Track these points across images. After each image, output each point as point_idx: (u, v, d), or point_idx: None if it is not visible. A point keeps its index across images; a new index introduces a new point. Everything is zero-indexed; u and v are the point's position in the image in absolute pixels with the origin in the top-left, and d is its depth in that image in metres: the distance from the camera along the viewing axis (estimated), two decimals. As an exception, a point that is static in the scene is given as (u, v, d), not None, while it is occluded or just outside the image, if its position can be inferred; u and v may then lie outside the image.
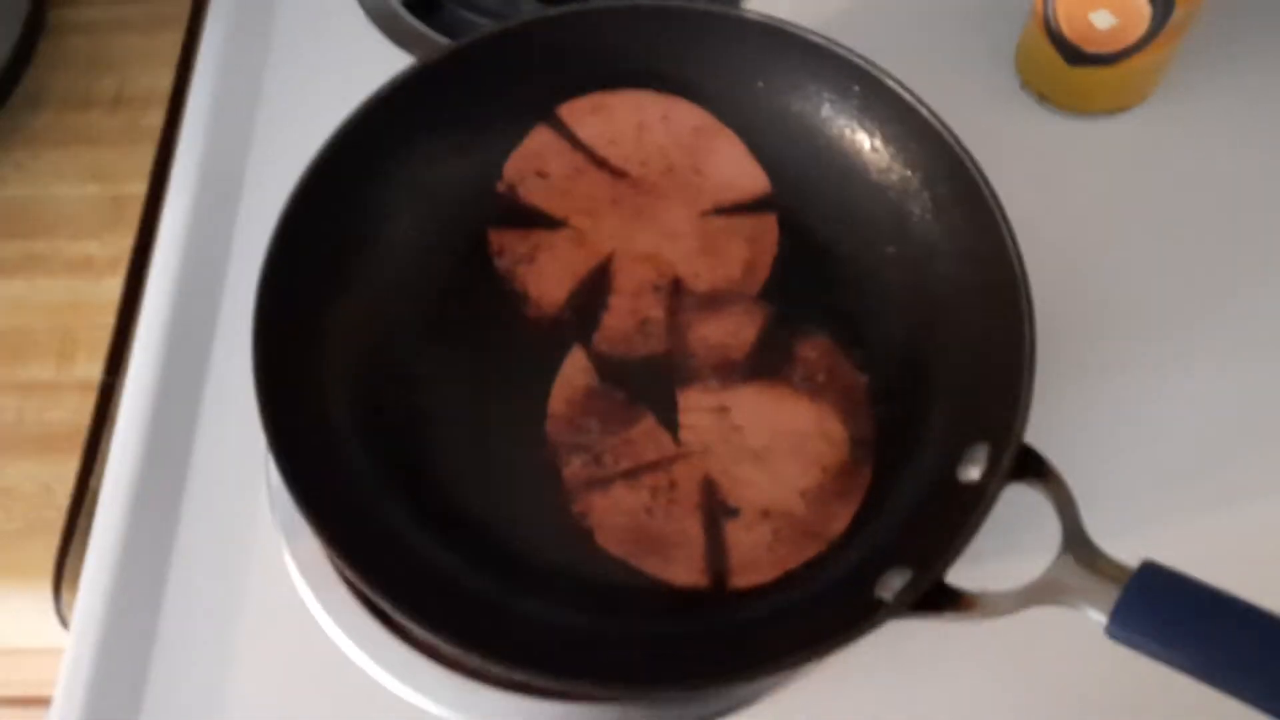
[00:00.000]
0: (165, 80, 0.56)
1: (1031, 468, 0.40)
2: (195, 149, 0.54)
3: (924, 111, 0.46)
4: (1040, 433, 0.41)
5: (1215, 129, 0.54)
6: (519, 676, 0.40)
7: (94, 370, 0.49)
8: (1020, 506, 0.40)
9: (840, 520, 0.44)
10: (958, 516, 0.40)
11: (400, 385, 0.47)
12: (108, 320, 0.50)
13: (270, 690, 0.45)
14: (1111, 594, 0.36)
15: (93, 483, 0.47)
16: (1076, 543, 0.38)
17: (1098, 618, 0.36)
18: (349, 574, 0.40)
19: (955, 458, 0.42)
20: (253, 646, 0.45)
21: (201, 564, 0.47)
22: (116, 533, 0.46)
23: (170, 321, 0.50)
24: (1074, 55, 0.51)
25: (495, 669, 0.40)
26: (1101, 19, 0.48)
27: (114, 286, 0.51)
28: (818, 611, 0.41)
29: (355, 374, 0.46)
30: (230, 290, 0.52)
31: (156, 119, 0.55)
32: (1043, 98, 0.54)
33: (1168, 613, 0.36)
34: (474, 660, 0.40)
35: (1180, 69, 0.53)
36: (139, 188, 0.53)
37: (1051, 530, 0.39)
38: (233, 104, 0.56)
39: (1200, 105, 0.54)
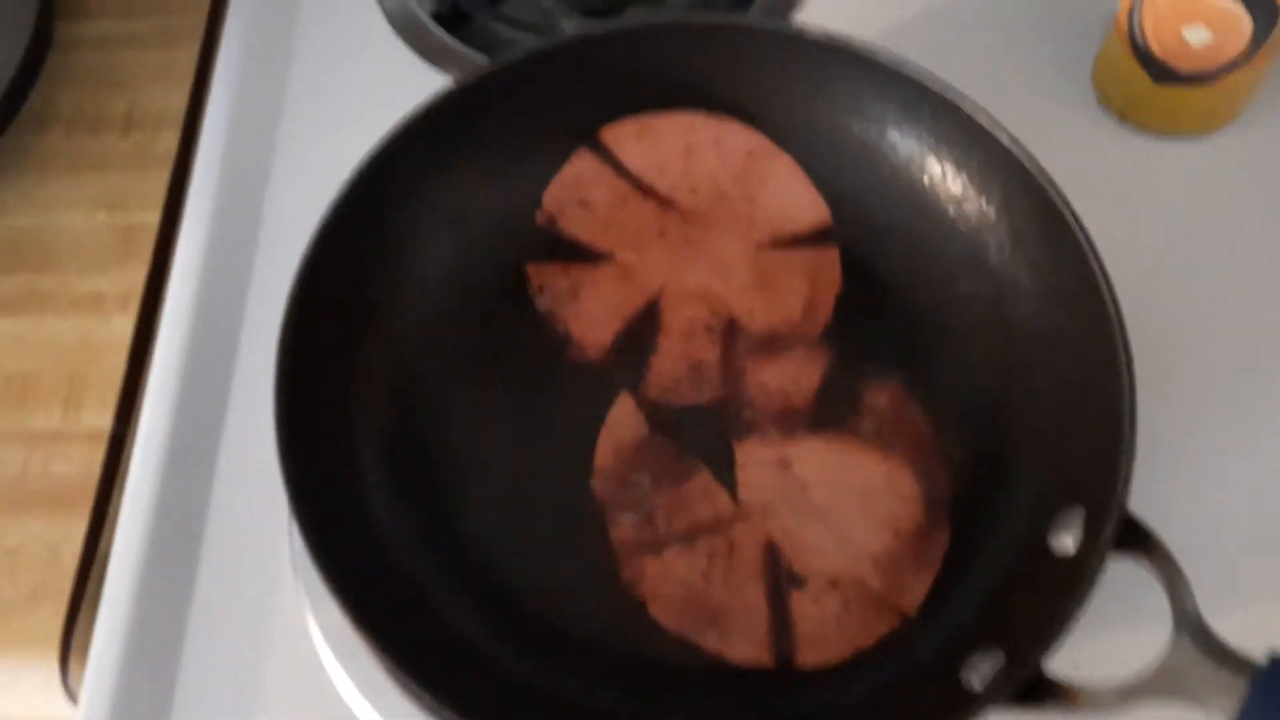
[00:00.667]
0: (179, 100, 0.53)
1: (1134, 539, 0.36)
2: (212, 174, 0.50)
3: (1003, 137, 0.43)
4: (1135, 493, 0.37)
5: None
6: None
7: (103, 418, 0.46)
8: (1118, 577, 0.36)
9: (917, 591, 0.40)
10: (1053, 593, 0.36)
11: (432, 437, 0.43)
12: (118, 363, 0.47)
13: (293, 766, 0.42)
14: (1234, 692, 0.32)
15: (102, 544, 0.44)
16: (1191, 629, 0.34)
17: (1218, 717, 0.32)
18: (370, 649, 0.36)
19: (1045, 522, 0.39)
20: (273, 717, 0.42)
21: (219, 631, 0.43)
22: (128, 599, 0.42)
23: (185, 364, 0.46)
24: (1162, 73, 0.46)
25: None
26: (1196, 35, 0.44)
27: (125, 325, 0.48)
28: (897, 700, 0.37)
29: (384, 424, 0.43)
30: (250, 329, 0.48)
31: (170, 142, 0.52)
32: (1123, 117, 0.50)
33: (1300, 714, 0.32)
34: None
35: (1273, 86, 0.49)
36: (152, 217, 0.50)
37: (1155, 606, 0.35)
38: (252, 125, 0.52)
39: (1293, 125, 0.50)
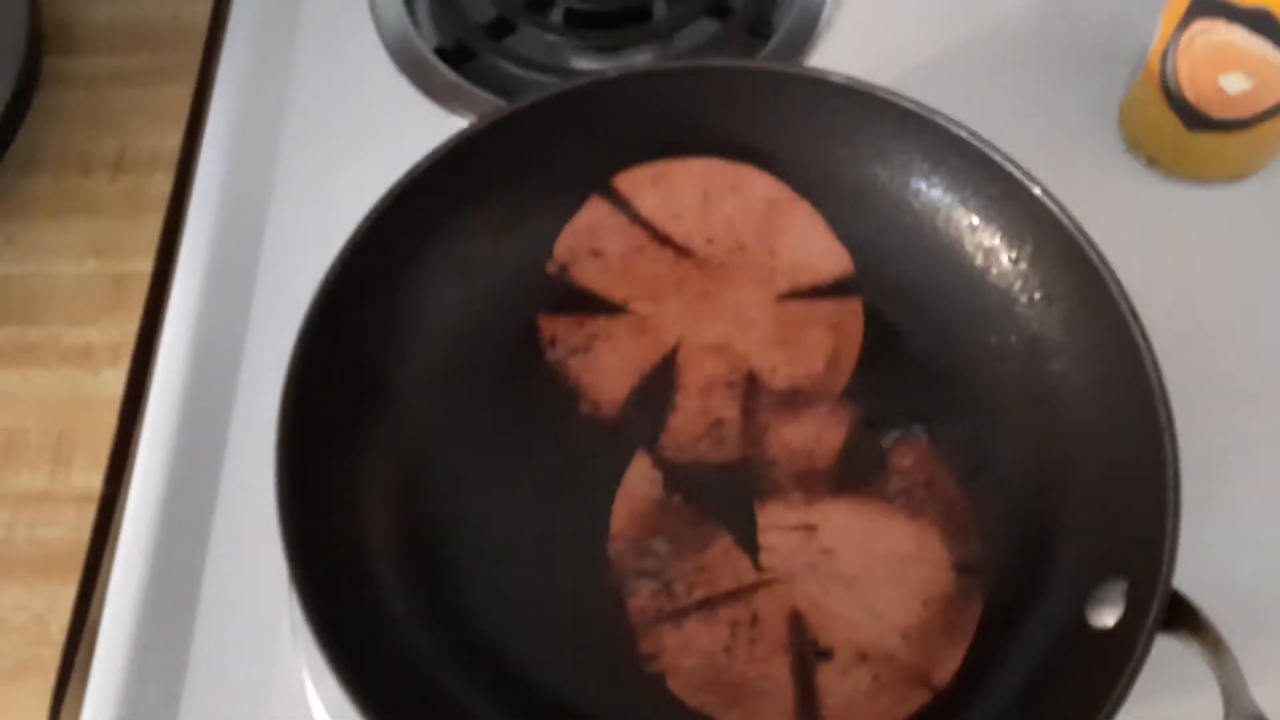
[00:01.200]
0: (173, 140, 0.51)
1: (1181, 617, 0.34)
2: (207, 219, 0.48)
3: (1034, 188, 0.41)
4: (1180, 564, 0.35)
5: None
6: None
7: (93, 479, 0.43)
8: (1161, 651, 0.34)
9: (949, 663, 0.38)
10: (1095, 673, 0.34)
11: (440, 503, 0.41)
12: (109, 420, 0.45)
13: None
14: (1296, 787, 0.31)
15: (92, 612, 0.42)
16: (1243, 716, 0.32)
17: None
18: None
19: (1085, 596, 0.37)
20: (273, 794, 0.40)
21: (216, 705, 0.41)
22: (120, 671, 0.40)
23: (179, 421, 0.44)
24: (1196, 120, 0.45)
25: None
26: (1233, 83, 0.43)
27: (116, 380, 0.45)
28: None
29: (389, 486, 0.41)
30: (246, 382, 0.46)
31: (164, 185, 0.50)
32: (1152, 162, 0.48)
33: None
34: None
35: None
36: (144, 264, 0.48)
37: (1198, 685, 0.34)
38: (249, 167, 0.50)
39: (1324, 170, 0.48)
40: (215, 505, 0.44)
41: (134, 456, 0.44)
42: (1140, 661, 0.33)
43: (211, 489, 0.44)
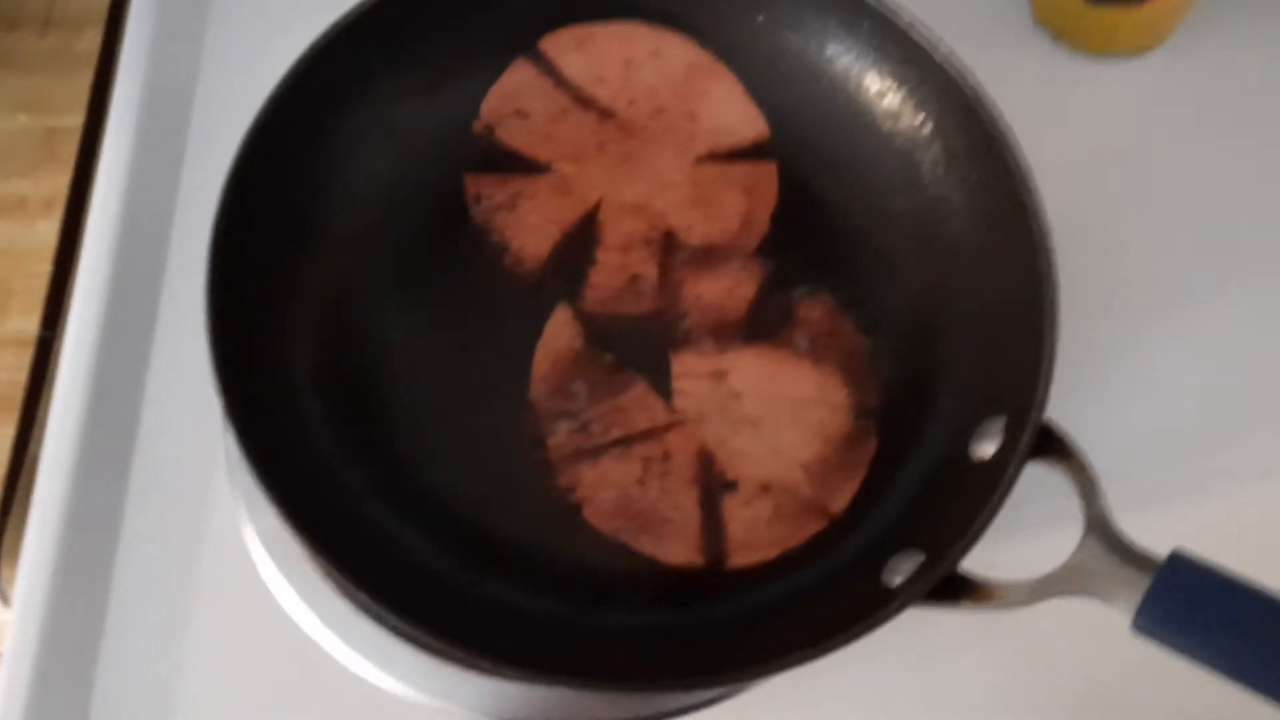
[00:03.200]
0: (101, -2, 0.51)
1: (1051, 446, 0.38)
2: (136, 76, 0.49)
3: (940, 52, 0.43)
4: (1054, 404, 0.38)
5: (1236, 73, 0.51)
6: (490, 669, 0.37)
7: (29, 324, 0.45)
8: (1034, 485, 0.38)
9: (844, 495, 0.41)
10: (972, 497, 0.37)
11: (367, 344, 0.43)
12: (43, 268, 0.46)
13: (228, 670, 0.42)
14: (1139, 586, 0.34)
15: (32, 448, 0.43)
16: (1100, 530, 0.36)
17: (1123, 611, 0.34)
18: (304, 547, 0.36)
19: (968, 431, 0.40)
20: (209, 624, 0.42)
21: (153, 536, 0.43)
22: (59, 503, 0.42)
23: (112, 269, 0.45)
24: (1098, -7, 0.47)
25: (464, 659, 0.37)
26: (1131, -45, 0.45)
27: (49, 230, 0.46)
28: (822, 599, 0.38)
29: (318, 331, 0.42)
30: (179, 234, 0.48)
31: (93, 42, 0.50)
32: (1059, 36, 0.50)
33: (1197, 607, 0.34)
34: (439, 647, 0.37)
35: (1201, 9, 0.50)
36: (75, 119, 0.48)
37: (1067, 511, 0.37)
38: (178, 25, 0.51)
39: (1220, 49, 0.51)
40: (150, 347, 0.45)
41: (69, 303, 0.45)
42: (1011, 480, 0.37)
43: (146, 332, 0.46)
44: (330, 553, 0.36)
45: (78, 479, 0.42)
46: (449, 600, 0.39)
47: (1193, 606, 0.34)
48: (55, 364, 0.44)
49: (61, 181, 0.47)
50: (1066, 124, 0.49)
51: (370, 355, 0.43)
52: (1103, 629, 0.36)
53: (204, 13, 0.51)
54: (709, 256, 0.45)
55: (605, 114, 0.47)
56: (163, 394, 0.45)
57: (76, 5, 0.51)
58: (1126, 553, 0.35)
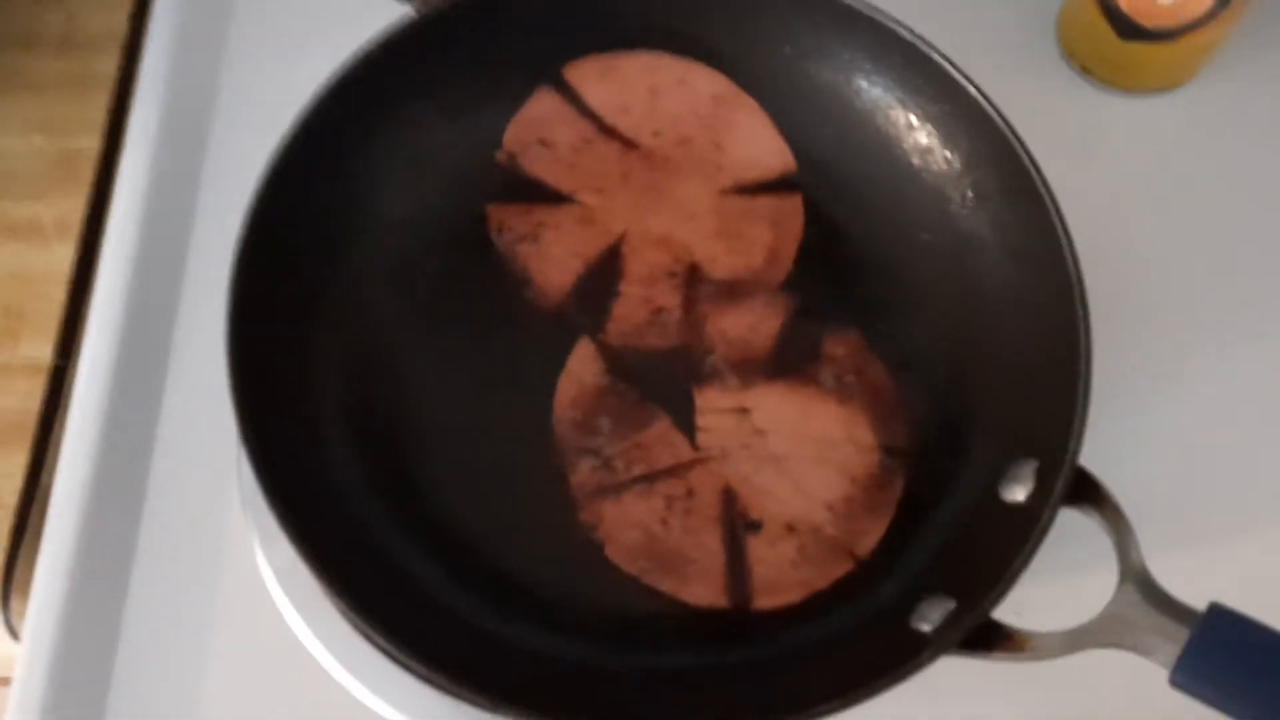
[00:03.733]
0: (120, 17, 0.50)
1: (1085, 492, 0.37)
2: (155, 99, 0.48)
3: (971, 89, 0.42)
4: (1087, 444, 0.38)
5: (1265, 110, 0.50)
6: (507, 713, 0.36)
7: (43, 351, 0.44)
8: (1066, 527, 0.37)
9: (871, 537, 0.41)
10: (1003, 543, 0.37)
11: (388, 375, 0.42)
12: (58, 294, 0.45)
13: (241, 706, 0.41)
14: (1177, 639, 0.33)
15: (44, 478, 0.43)
16: (1137, 580, 0.35)
17: (1161, 664, 0.34)
18: (318, 581, 0.36)
19: (999, 475, 0.39)
20: (222, 656, 0.42)
21: (166, 567, 0.43)
22: (72, 533, 0.41)
23: (128, 295, 0.45)
24: (1129, 29, 0.47)
25: (479, 701, 0.36)
26: (1164, -8, 0.45)
27: (64, 255, 0.46)
28: (850, 646, 0.38)
29: (338, 361, 0.42)
30: (195, 259, 0.47)
31: (110, 64, 0.49)
32: (1086, 71, 0.50)
33: (1236, 661, 0.33)
34: (455, 690, 0.36)
35: (1230, 47, 0.49)
36: (91, 142, 0.48)
37: (1102, 554, 0.36)
38: (198, 46, 0.50)
39: (1250, 85, 0.51)
40: (165, 374, 0.45)
41: (83, 329, 0.44)
42: (1045, 528, 0.36)
43: (162, 359, 0.45)
44: (344, 587, 0.35)
45: (91, 510, 0.42)
46: (465, 639, 0.38)
47: (1232, 661, 0.33)
48: (69, 392, 0.43)
49: (77, 204, 0.47)
50: (1095, 159, 0.49)
51: (390, 386, 0.42)
52: (1136, 680, 0.35)
53: (223, 36, 0.51)
54: (734, 290, 0.45)
55: (629, 144, 0.46)
56: (177, 423, 0.44)
57: (95, 26, 0.50)
58: (1164, 604, 0.34)
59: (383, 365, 0.42)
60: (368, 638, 0.39)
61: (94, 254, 0.46)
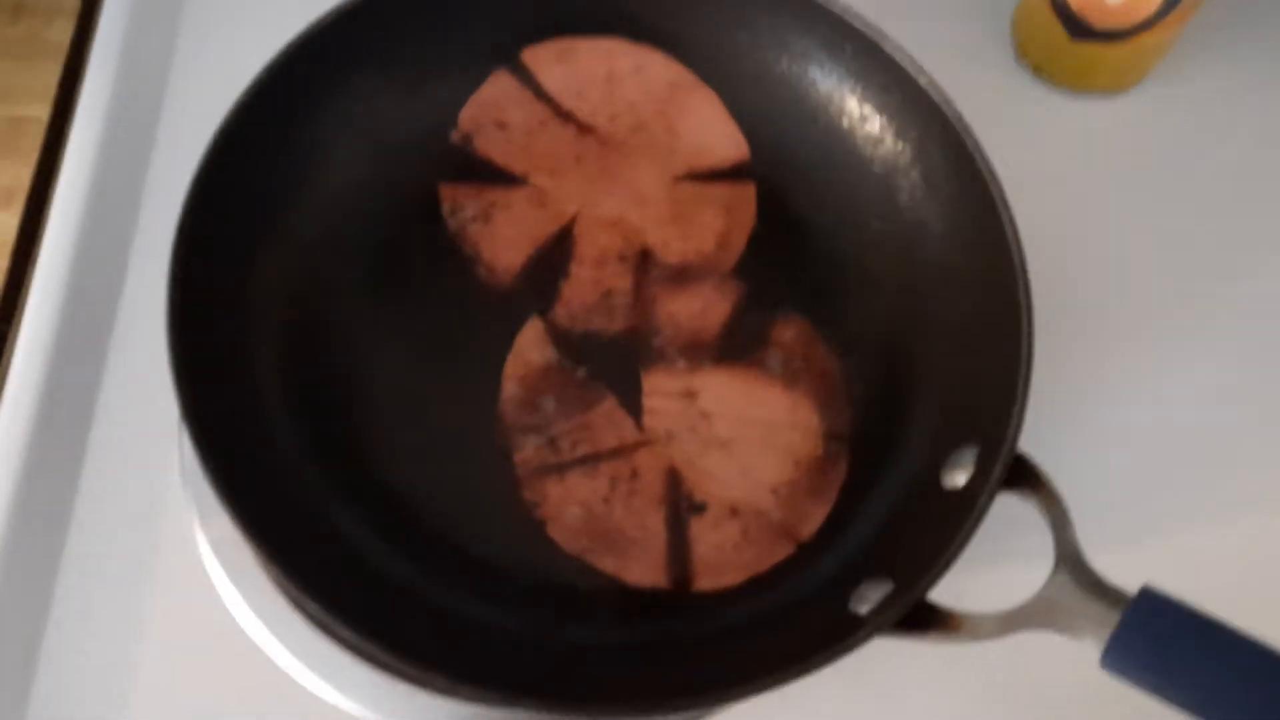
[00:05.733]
0: (75, -12, 0.50)
1: (1023, 477, 0.37)
2: (108, 69, 0.48)
3: (922, 80, 0.43)
4: (1027, 435, 0.38)
5: (1213, 112, 0.51)
6: (444, 688, 0.36)
7: (-17, 318, 0.43)
8: (1006, 515, 0.37)
9: (813, 520, 0.41)
10: (943, 527, 0.37)
11: (334, 348, 0.42)
12: (0, 260, 0.44)
13: (174, 681, 0.41)
14: (1108, 622, 0.34)
15: (-22, 447, 0.42)
16: (1071, 564, 0.35)
17: (1092, 647, 0.34)
18: (257, 552, 0.35)
19: (940, 459, 0.40)
20: (156, 633, 0.41)
21: (102, 541, 0.42)
22: (6, 505, 0.40)
23: (73, 265, 0.44)
24: (1079, 29, 0.47)
25: (417, 675, 0.36)
26: (1114, -8, 0.45)
27: (9, 222, 0.45)
28: (789, 625, 0.38)
29: (283, 336, 0.41)
30: (143, 231, 0.46)
31: (64, 32, 0.49)
32: (1039, 71, 0.51)
33: (1166, 645, 0.33)
34: (395, 662, 0.35)
35: (1179, 49, 0.50)
36: (40, 110, 0.47)
37: (1039, 543, 0.37)
38: (152, 17, 0.50)
39: (1198, 88, 0.51)
40: (108, 345, 0.44)
41: (26, 297, 0.44)
42: (982, 511, 0.36)
43: (104, 329, 0.44)
44: (280, 555, 0.35)
45: (26, 478, 0.41)
46: (404, 612, 0.38)
47: (1162, 644, 0.33)
48: (9, 360, 0.43)
49: (24, 172, 0.46)
50: (1045, 157, 0.49)
51: (336, 360, 0.42)
52: (1072, 662, 0.35)
53: (179, 5, 0.50)
54: (684, 275, 0.45)
55: (585, 128, 0.46)
56: (119, 394, 0.44)
57: (49, -6, 0.50)
58: (1096, 587, 0.35)
59: (328, 337, 0.42)
60: (303, 608, 0.39)
61: (39, 223, 0.45)
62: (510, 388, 0.42)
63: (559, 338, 0.43)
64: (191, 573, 0.40)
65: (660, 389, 0.43)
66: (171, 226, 0.38)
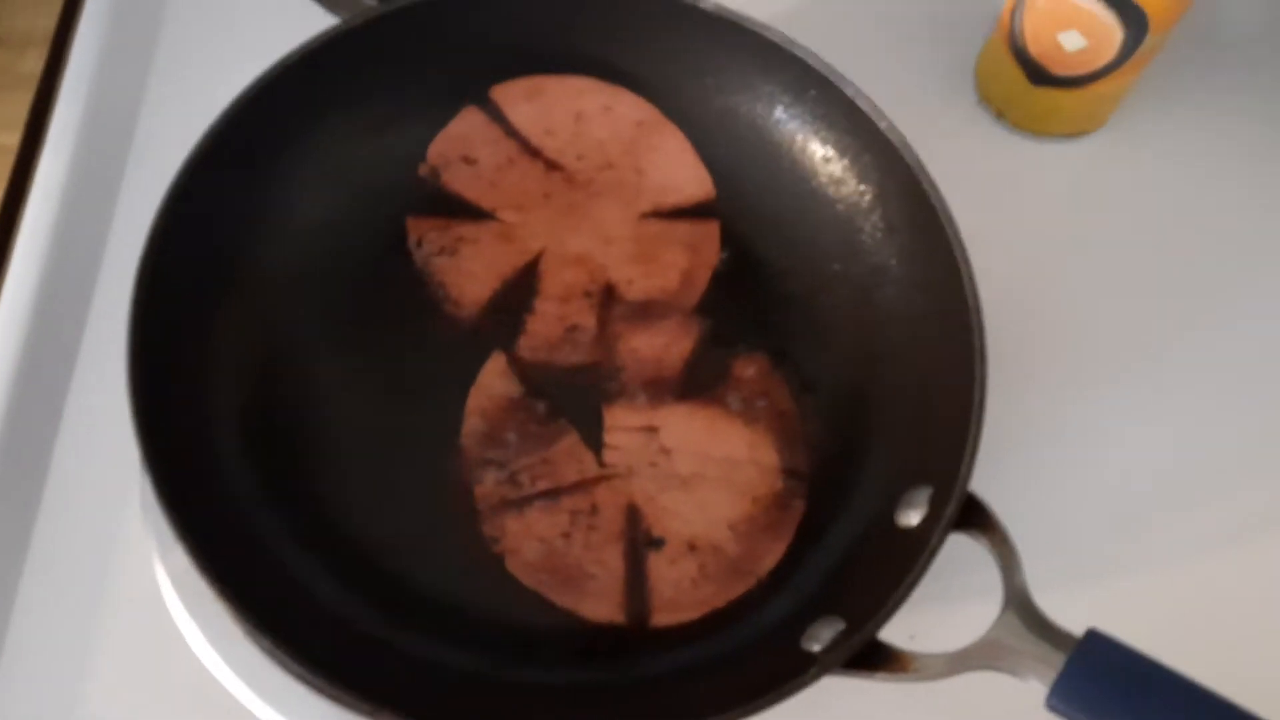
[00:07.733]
0: (48, 19, 0.50)
1: (974, 518, 0.38)
2: (78, 101, 0.48)
3: (882, 125, 0.44)
4: (980, 477, 0.38)
5: (1171, 159, 0.52)
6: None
7: (-54, 347, 0.43)
8: (957, 555, 0.38)
9: (770, 557, 0.41)
10: (895, 566, 0.37)
11: (295, 384, 0.42)
12: (-34, 289, 0.44)
13: (131, 712, 0.41)
14: (1054, 664, 0.34)
15: (-62, 475, 0.42)
16: (1019, 605, 0.36)
17: (1038, 687, 0.34)
18: (212, 588, 0.35)
19: (895, 499, 0.40)
20: (113, 664, 0.41)
21: (60, 572, 0.42)
22: (-37, 534, 0.41)
23: (38, 295, 0.44)
24: (1038, 75, 0.48)
25: (375, 714, 0.36)
26: (1071, 40, 0.46)
27: (-25, 251, 0.45)
28: (741, 665, 0.38)
29: (244, 371, 0.42)
30: (109, 263, 0.47)
31: (36, 63, 0.49)
32: (1000, 115, 0.52)
33: (1110, 687, 0.34)
34: (336, 694, 0.36)
35: (1137, 96, 0.51)
36: (10, 139, 0.48)
37: (989, 581, 0.37)
38: (125, 50, 0.50)
39: (1156, 134, 0.52)
40: (69, 382, 0.44)
41: (-11, 329, 0.44)
42: (933, 552, 0.37)
43: (67, 366, 0.45)
44: (239, 596, 0.35)
45: (-15, 509, 0.41)
46: (363, 651, 0.38)
47: (1106, 686, 0.34)
48: (-31, 390, 0.43)
49: (-9, 202, 0.46)
50: (1004, 201, 0.50)
51: (297, 396, 0.42)
52: (1018, 703, 0.36)
53: (152, 39, 0.51)
54: (647, 312, 0.45)
55: (552, 165, 0.47)
56: (80, 425, 0.44)
57: (22, 24, 0.50)
58: (1043, 629, 0.35)
59: (290, 374, 0.42)
60: (260, 645, 0.39)
61: (6, 251, 0.45)
62: (473, 421, 0.43)
63: (522, 372, 0.44)
64: (150, 605, 0.40)
65: (621, 424, 0.43)
66: (138, 260, 0.38)
